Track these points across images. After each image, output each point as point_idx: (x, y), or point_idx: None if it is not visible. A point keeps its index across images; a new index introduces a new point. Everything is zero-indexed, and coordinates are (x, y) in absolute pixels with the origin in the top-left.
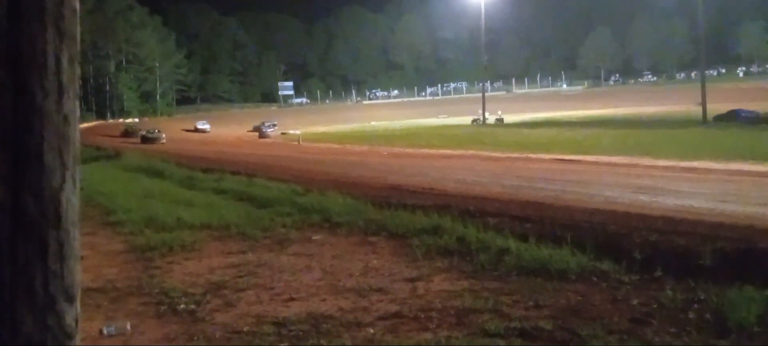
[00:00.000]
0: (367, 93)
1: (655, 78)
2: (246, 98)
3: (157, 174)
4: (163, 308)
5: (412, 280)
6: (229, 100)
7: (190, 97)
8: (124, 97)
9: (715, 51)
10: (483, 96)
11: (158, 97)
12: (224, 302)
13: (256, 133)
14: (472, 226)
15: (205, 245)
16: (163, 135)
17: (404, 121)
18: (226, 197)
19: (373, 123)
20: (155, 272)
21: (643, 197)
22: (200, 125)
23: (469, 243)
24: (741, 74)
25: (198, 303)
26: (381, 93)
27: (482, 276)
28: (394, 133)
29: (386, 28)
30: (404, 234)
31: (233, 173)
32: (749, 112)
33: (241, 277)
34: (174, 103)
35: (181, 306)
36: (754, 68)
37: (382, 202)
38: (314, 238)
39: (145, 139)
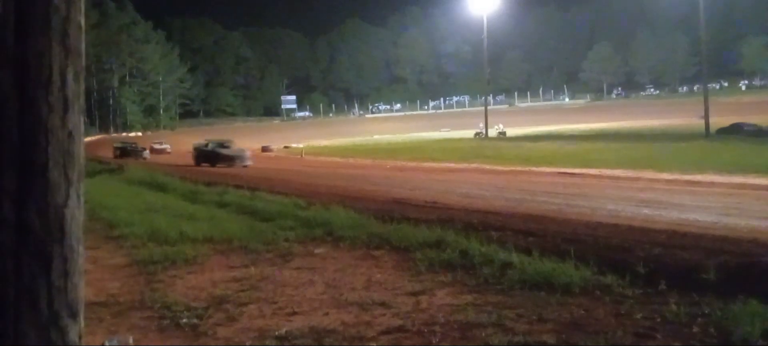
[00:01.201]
0: (370, 107)
1: (657, 91)
2: (249, 112)
3: (160, 188)
4: (165, 322)
5: (415, 294)
6: (232, 114)
7: (193, 111)
8: (128, 111)
9: (717, 65)
10: (485, 109)
11: (161, 111)
12: (226, 316)
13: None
14: (476, 240)
15: (207, 259)
16: (248, 152)
17: (406, 135)
18: (229, 210)
19: (375, 137)
20: (158, 286)
21: (646, 211)
22: (157, 146)
23: (472, 257)
24: (743, 88)
25: (200, 317)
26: (383, 107)
27: (485, 290)
28: (396, 146)
29: (389, 43)
30: (407, 248)
31: (236, 187)
32: (751, 125)
33: (243, 291)
34: (177, 117)
35: (184, 320)
36: (756, 82)
37: (385, 215)
38: (317, 251)
39: (217, 158)
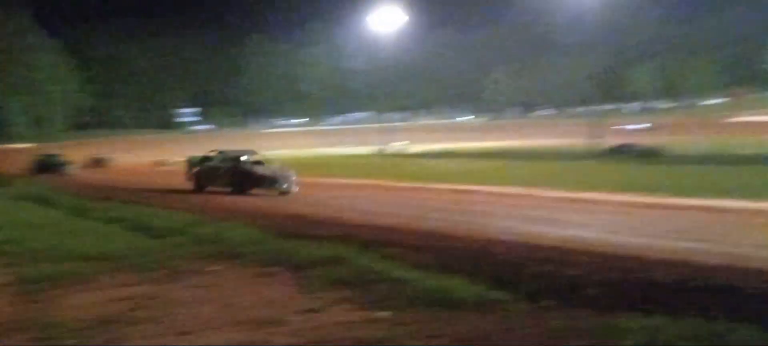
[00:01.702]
0: (270, 122)
1: (550, 112)
2: (144, 125)
3: (46, 203)
4: (47, 343)
5: (309, 311)
6: (126, 126)
7: (87, 122)
8: (14, 122)
9: (609, 90)
10: (384, 127)
11: (51, 122)
12: (113, 337)
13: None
14: (371, 257)
15: (96, 277)
16: (293, 172)
17: (307, 150)
18: (121, 226)
19: (275, 152)
20: (41, 305)
21: (536, 227)
22: None
23: (367, 274)
24: (626, 111)
25: (86, 338)
26: (283, 121)
27: (380, 307)
28: (297, 161)
29: (292, 58)
30: (303, 265)
31: (129, 203)
32: (637, 146)
33: (132, 310)
34: (68, 129)
35: (68, 341)
36: (638, 105)
37: (282, 232)
38: (211, 269)
39: (246, 180)
